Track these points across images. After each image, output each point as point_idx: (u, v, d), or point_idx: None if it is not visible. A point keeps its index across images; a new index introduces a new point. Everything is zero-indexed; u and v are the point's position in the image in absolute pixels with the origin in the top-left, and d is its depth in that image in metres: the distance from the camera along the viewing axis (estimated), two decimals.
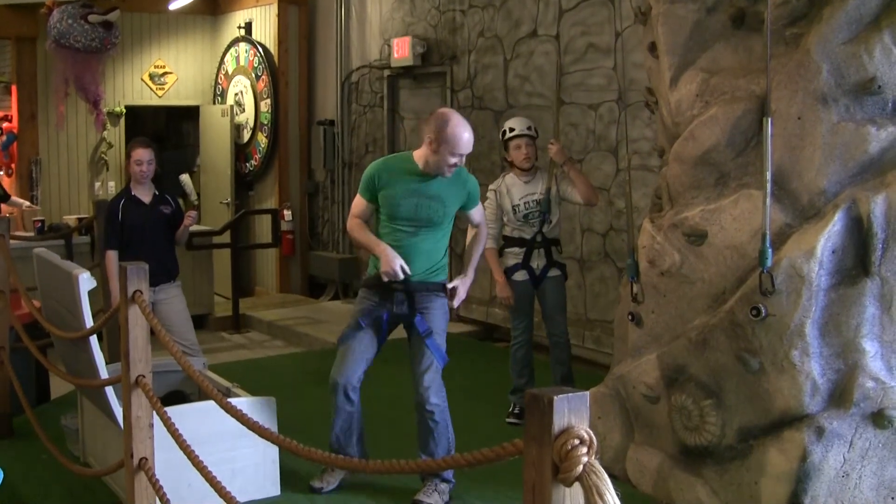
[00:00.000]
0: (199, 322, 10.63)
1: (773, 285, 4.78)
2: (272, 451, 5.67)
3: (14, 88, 12.65)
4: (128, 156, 7.21)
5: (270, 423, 5.52)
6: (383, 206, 5.56)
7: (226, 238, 11.38)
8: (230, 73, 13.63)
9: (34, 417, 6.32)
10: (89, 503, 5.73)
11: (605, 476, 2.16)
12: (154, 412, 4.44)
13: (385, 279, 5.46)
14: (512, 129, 6.97)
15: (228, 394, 5.90)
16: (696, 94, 5.37)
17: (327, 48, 12.74)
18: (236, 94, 13.50)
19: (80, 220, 10.37)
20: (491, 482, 5.81)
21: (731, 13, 5.34)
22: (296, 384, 8.25)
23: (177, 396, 6.23)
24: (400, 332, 5.76)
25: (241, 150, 13.43)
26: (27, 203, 11.17)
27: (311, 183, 13.00)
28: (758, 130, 5.01)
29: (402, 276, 5.45)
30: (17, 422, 6.88)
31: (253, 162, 13.34)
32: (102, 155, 13.22)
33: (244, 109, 13.38)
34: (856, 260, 4.82)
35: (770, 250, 4.78)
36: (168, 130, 16.19)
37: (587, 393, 2.27)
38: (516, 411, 7.00)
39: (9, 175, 12.46)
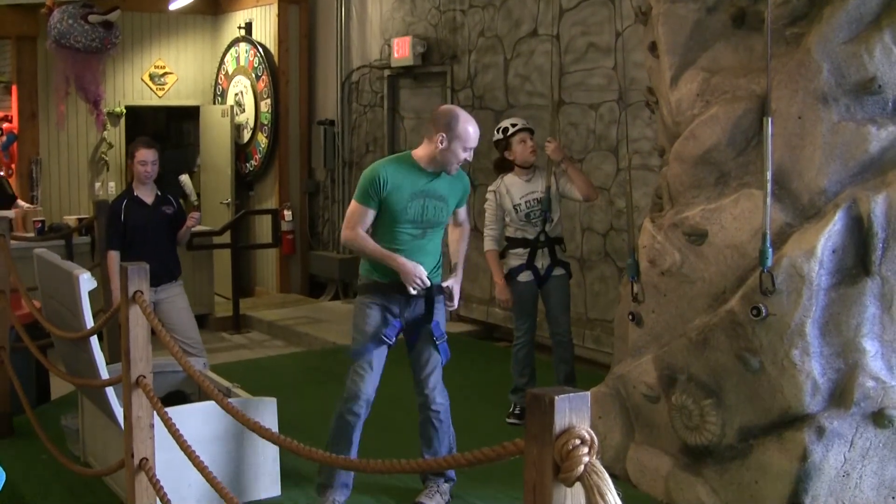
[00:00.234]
0: (200, 322, 10.56)
1: (773, 285, 4.79)
2: (272, 451, 5.66)
3: (14, 88, 12.65)
4: (131, 156, 7.17)
5: (271, 423, 5.52)
6: (388, 209, 5.32)
7: (226, 238, 11.38)
8: (230, 73, 13.63)
9: (34, 417, 6.32)
10: (90, 503, 5.73)
11: (606, 476, 2.16)
12: (155, 412, 4.44)
13: (413, 292, 5.35)
14: (514, 125, 6.97)
15: (229, 394, 5.90)
16: (696, 94, 5.38)
17: (328, 48, 12.74)
18: (236, 94, 13.50)
19: (80, 220, 10.37)
20: (492, 482, 5.81)
21: (732, 13, 5.34)
22: (296, 384, 8.24)
23: (177, 396, 6.23)
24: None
25: (241, 150, 13.43)
26: (27, 205, 11.17)
27: (311, 183, 13.00)
28: (758, 130, 5.01)
29: (428, 284, 5.40)
30: (17, 422, 6.87)
31: (253, 162, 13.34)
32: (103, 155, 13.21)
33: (244, 109, 13.37)
34: (856, 259, 4.82)
35: (770, 250, 4.78)
36: (168, 131, 16.19)
37: (588, 393, 2.27)
38: (517, 411, 6.99)
39: (9, 175, 12.45)
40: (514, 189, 6.81)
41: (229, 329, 11.23)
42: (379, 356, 5.40)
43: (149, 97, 13.60)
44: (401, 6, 11.35)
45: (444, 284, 5.60)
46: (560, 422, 2.21)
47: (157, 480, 4.40)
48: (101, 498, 5.73)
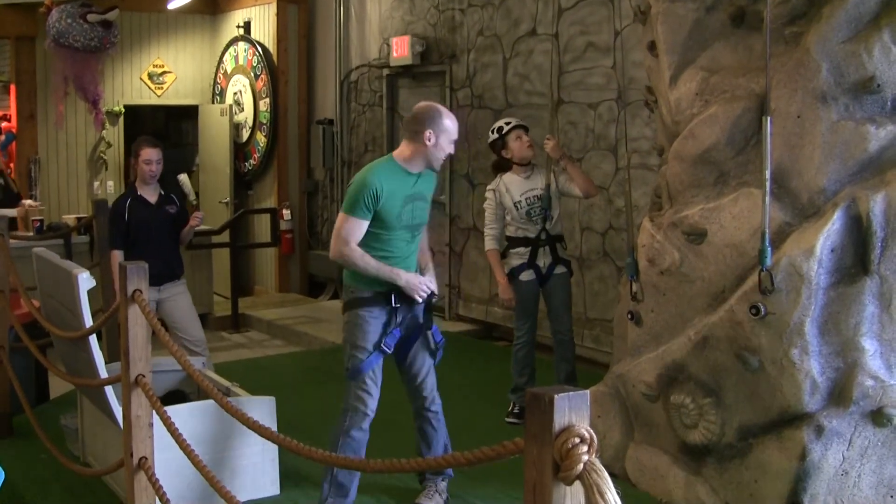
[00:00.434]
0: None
1: (772, 284, 4.79)
2: (272, 450, 5.67)
3: (13, 87, 12.65)
4: (135, 155, 7.15)
5: (270, 423, 5.52)
6: (382, 218, 5.18)
7: (225, 237, 11.38)
8: (229, 72, 13.63)
9: (34, 417, 6.32)
10: (89, 503, 5.73)
11: (606, 474, 2.16)
12: (154, 411, 4.44)
13: (420, 300, 5.29)
14: (508, 123, 6.99)
15: (228, 393, 5.90)
16: (695, 93, 5.38)
17: (326, 47, 12.74)
18: (235, 94, 13.50)
19: (79, 219, 10.36)
20: (491, 481, 5.81)
21: (731, 12, 5.34)
22: (295, 383, 8.24)
23: (176, 396, 6.23)
24: None
25: (240, 150, 13.43)
26: (29, 202, 11.17)
27: (310, 182, 13.00)
28: (757, 129, 5.02)
29: (433, 290, 5.38)
30: (16, 421, 6.88)
31: (252, 161, 13.34)
32: (101, 154, 13.21)
33: (243, 108, 13.37)
34: (855, 258, 4.83)
35: (769, 249, 4.78)
36: (167, 130, 16.18)
37: (588, 392, 2.27)
38: (516, 410, 6.99)
39: (9, 174, 12.45)
40: (514, 187, 6.81)
41: (228, 328, 11.24)
42: (379, 368, 5.32)
43: (147, 96, 13.60)
44: (399, 5, 11.35)
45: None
46: (559, 421, 2.21)
47: (157, 480, 4.40)
48: (101, 497, 5.74)
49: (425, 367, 5.50)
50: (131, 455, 4.46)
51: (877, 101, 4.88)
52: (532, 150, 6.90)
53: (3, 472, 3.30)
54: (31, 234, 9.90)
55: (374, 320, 5.27)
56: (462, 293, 10.61)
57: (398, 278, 5.20)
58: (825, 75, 4.87)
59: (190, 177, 14.42)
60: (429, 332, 5.48)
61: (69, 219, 10.71)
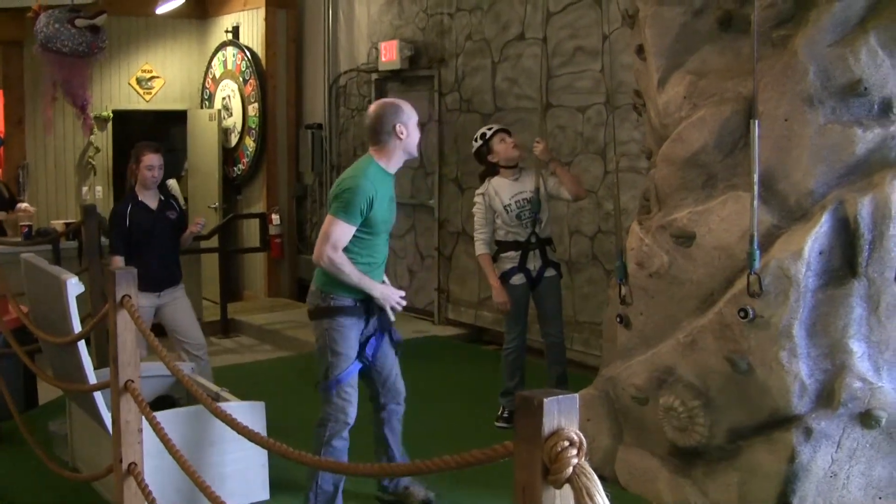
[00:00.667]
0: None
1: (760, 287, 4.80)
2: (261, 455, 5.66)
3: (1, 93, 12.61)
4: (136, 160, 7.05)
5: (260, 428, 5.51)
6: (371, 223, 5.16)
7: (214, 242, 11.36)
8: (218, 77, 13.62)
9: (22, 423, 6.31)
10: None
11: (596, 477, 2.16)
12: (143, 417, 4.43)
13: (392, 315, 5.29)
14: (490, 128, 7.01)
15: (217, 398, 5.89)
16: (683, 97, 5.39)
17: (315, 52, 12.74)
18: (224, 98, 13.49)
19: (67, 224, 10.34)
20: (481, 485, 5.81)
21: (719, 15, 5.36)
22: (285, 388, 8.23)
23: (165, 401, 6.22)
24: None
25: (228, 154, 13.41)
26: (25, 205, 11.14)
27: (299, 186, 12.99)
28: (745, 132, 5.03)
29: (404, 303, 5.35)
30: (5, 427, 6.85)
31: (241, 166, 13.33)
32: (90, 159, 13.18)
33: (232, 113, 13.36)
34: (843, 261, 4.84)
35: (758, 252, 4.80)
36: (155, 135, 16.11)
37: (577, 395, 2.28)
38: (505, 415, 6.98)
39: None
40: (503, 190, 6.81)
41: (218, 333, 11.21)
42: (357, 376, 5.34)
43: (136, 101, 13.58)
44: (388, 10, 11.35)
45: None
46: (549, 424, 2.22)
47: (146, 485, 4.39)
48: (90, 503, 5.72)
49: (395, 367, 5.59)
50: (121, 461, 4.45)
51: (864, 104, 4.90)
52: (518, 151, 6.91)
53: None
54: (19, 239, 9.87)
55: (354, 328, 5.26)
56: (451, 297, 10.61)
57: (374, 289, 5.20)
58: (812, 78, 4.89)
59: (178, 182, 14.42)
60: (388, 333, 5.48)
61: (57, 224, 10.68)
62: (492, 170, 6.93)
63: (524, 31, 9.45)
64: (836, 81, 4.88)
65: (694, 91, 5.36)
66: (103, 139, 13.29)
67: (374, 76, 11.49)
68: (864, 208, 4.76)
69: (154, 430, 4.28)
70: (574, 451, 2.19)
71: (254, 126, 13.02)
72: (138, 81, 13.52)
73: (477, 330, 10.24)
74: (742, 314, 4.87)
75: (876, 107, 4.89)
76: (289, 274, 13.05)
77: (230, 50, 13.33)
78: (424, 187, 10.96)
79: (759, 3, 4.96)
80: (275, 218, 12.69)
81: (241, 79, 13.12)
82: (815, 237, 4.80)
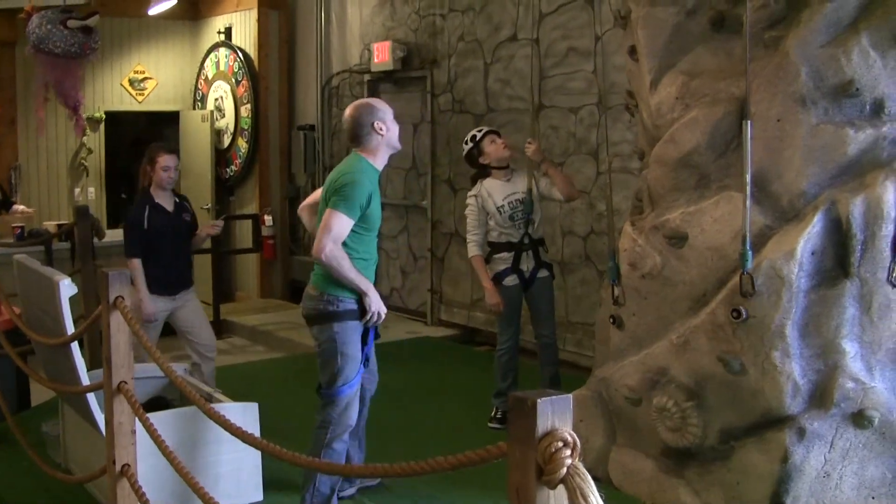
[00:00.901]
0: None
1: (753, 287, 4.81)
2: (255, 456, 5.66)
3: None
4: (151, 161, 6.98)
5: (253, 428, 5.51)
6: (368, 220, 5.19)
7: (207, 243, 11.31)
8: (210, 78, 13.60)
9: (15, 424, 6.30)
10: None
11: (589, 478, 2.17)
12: (136, 418, 4.43)
13: (372, 322, 5.26)
14: (480, 130, 7.03)
15: (210, 399, 5.89)
16: (676, 97, 5.40)
17: (307, 53, 12.73)
18: (216, 100, 13.47)
19: (59, 226, 10.32)
20: (475, 486, 5.81)
21: (711, 16, 5.37)
22: (278, 389, 8.23)
23: (159, 402, 6.21)
24: None
25: (221, 155, 13.39)
26: (22, 207, 11.12)
27: (291, 187, 12.98)
28: (738, 133, 5.04)
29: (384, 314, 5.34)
30: None
31: (233, 167, 13.32)
32: (82, 160, 13.16)
33: (224, 114, 13.35)
34: (835, 261, 4.85)
35: (750, 252, 4.81)
36: (148, 136, 16.10)
37: (570, 396, 2.28)
38: (499, 416, 6.98)
39: None
40: (495, 191, 6.81)
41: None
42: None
43: (128, 102, 13.56)
44: (381, 11, 11.35)
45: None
46: (543, 424, 2.22)
47: (140, 486, 4.38)
48: None
49: (374, 363, 5.68)
50: (114, 462, 4.45)
51: (856, 105, 4.91)
52: (508, 152, 6.92)
53: None
54: (11, 240, 9.85)
55: (358, 330, 5.27)
56: (444, 298, 10.61)
57: (369, 290, 5.19)
58: (805, 79, 4.90)
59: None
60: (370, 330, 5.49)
61: (50, 225, 10.67)
62: (483, 172, 6.93)
63: (516, 32, 9.46)
64: (829, 82, 4.89)
65: (686, 92, 5.37)
66: (96, 140, 13.26)
67: (367, 77, 11.49)
68: (856, 209, 4.77)
69: (147, 431, 4.28)
70: (568, 452, 2.20)
71: (246, 127, 13.01)
72: (131, 82, 13.50)
73: (470, 331, 10.25)
74: (735, 314, 4.88)
75: (868, 107, 4.90)
76: (281, 275, 13.04)
77: (223, 51, 13.31)
78: (417, 188, 10.96)
79: (752, 4, 4.97)
80: (267, 219, 12.67)
81: (233, 80, 13.11)
82: (808, 237, 4.81)
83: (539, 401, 2.22)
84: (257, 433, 5.30)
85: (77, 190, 13.15)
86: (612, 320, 5.68)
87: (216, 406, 5.20)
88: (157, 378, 6.20)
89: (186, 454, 4.93)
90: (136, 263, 6.80)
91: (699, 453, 5.20)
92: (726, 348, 4.97)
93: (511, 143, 7.13)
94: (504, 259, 6.84)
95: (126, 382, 4.40)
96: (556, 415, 2.24)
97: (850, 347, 4.86)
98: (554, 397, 2.24)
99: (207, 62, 13.64)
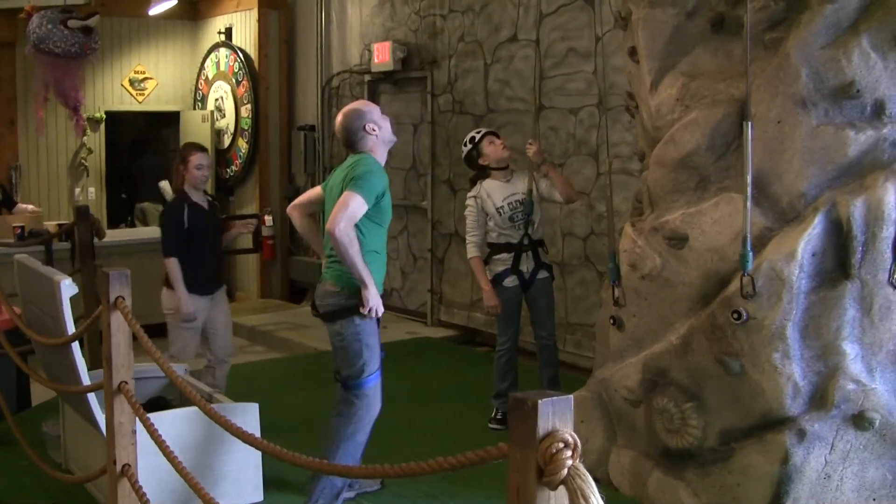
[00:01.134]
0: None
1: (753, 288, 4.81)
2: (255, 457, 5.65)
3: None
4: (183, 160, 6.92)
5: (253, 429, 5.50)
6: (384, 211, 5.32)
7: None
8: (210, 78, 13.60)
9: (15, 424, 6.29)
10: None
11: (590, 479, 2.17)
12: (137, 418, 4.42)
13: (370, 316, 5.28)
14: (479, 131, 7.03)
15: (210, 399, 5.89)
16: (676, 98, 5.40)
17: (308, 53, 12.73)
18: (217, 100, 13.48)
19: (60, 226, 10.32)
20: (475, 486, 5.81)
21: (711, 17, 5.37)
22: (277, 389, 8.23)
23: (159, 402, 6.21)
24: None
25: (221, 156, 13.39)
26: (31, 206, 11.12)
27: (291, 188, 12.97)
28: (738, 134, 5.04)
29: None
30: None
31: (234, 167, 13.32)
32: (83, 161, 13.16)
33: (224, 115, 13.35)
34: (836, 262, 4.85)
35: (751, 253, 4.81)
36: (148, 136, 16.13)
37: (571, 396, 2.28)
38: (499, 416, 6.98)
39: None
40: (495, 192, 6.81)
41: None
42: None
43: (129, 102, 13.56)
44: (381, 11, 11.35)
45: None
46: (543, 425, 2.22)
47: (140, 486, 4.38)
48: None
49: None
50: (114, 462, 4.45)
51: (856, 106, 4.91)
52: (507, 152, 6.92)
53: None
54: (11, 240, 9.85)
55: (372, 324, 5.36)
56: (444, 299, 10.61)
57: (369, 284, 5.21)
58: (805, 80, 4.90)
59: (171, 183, 14.39)
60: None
61: (50, 225, 10.67)
62: (483, 173, 6.94)
63: (516, 33, 9.46)
64: (829, 83, 4.89)
65: (686, 93, 5.37)
66: (96, 140, 13.26)
67: (367, 78, 11.49)
68: (856, 210, 4.78)
69: (148, 431, 4.28)
70: (569, 453, 2.20)
71: (246, 127, 13.00)
72: (131, 83, 13.50)
73: (469, 332, 10.24)
74: (735, 316, 4.88)
75: (868, 109, 4.91)
76: (281, 275, 13.03)
77: (223, 51, 13.31)
78: (417, 189, 10.96)
79: (752, 5, 4.97)
80: (267, 219, 12.64)
81: (233, 80, 13.11)
82: (808, 239, 4.81)
83: (540, 402, 2.22)
84: (257, 433, 5.30)
85: (77, 190, 13.15)
86: (612, 321, 5.68)
87: (216, 406, 5.20)
88: (157, 378, 6.20)
89: (187, 454, 4.92)
90: (174, 262, 6.71)
91: (699, 455, 5.20)
92: (726, 349, 4.97)
93: (511, 145, 7.14)
94: (504, 260, 6.83)
95: (126, 382, 4.40)
96: (557, 416, 2.24)
97: (850, 349, 4.86)
98: (555, 398, 2.24)
99: (208, 62, 13.64)
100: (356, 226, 5.15)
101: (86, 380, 5.32)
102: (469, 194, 6.96)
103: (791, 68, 4.92)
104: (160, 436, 4.23)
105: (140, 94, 13.60)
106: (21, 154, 12.67)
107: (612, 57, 8.03)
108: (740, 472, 5.02)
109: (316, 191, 5.87)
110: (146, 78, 13.62)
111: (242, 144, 13.09)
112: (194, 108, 13.85)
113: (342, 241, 5.08)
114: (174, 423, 5.36)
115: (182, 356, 6.77)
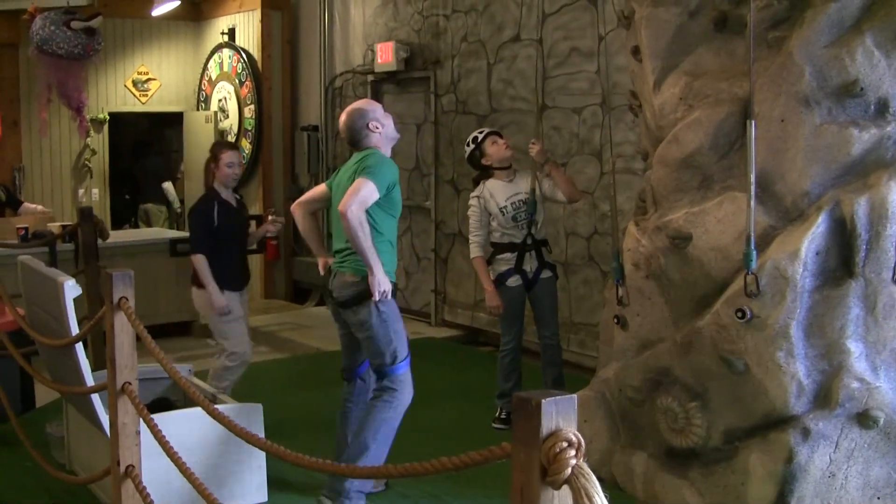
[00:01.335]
0: (184, 329, 10.60)
1: (757, 287, 4.80)
2: (259, 457, 5.65)
3: None
4: (214, 158, 6.95)
5: (257, 429, 5.51)
6: (392, 205, 5.39)
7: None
8: (214, 79, 13.61)
9: (19, 425, 6.29)
10: None
11: (594, 478, 2.16)
12: (140, 419, 4.42)
13: (376, 297, 5.29)
14: (482, 131, 7.03)
15: (214, 400, 5.89)
16: (679, 98, 5.39)
17: (311, 53, 12.73)
18: (220, 100, 13.48)
19: (63, 227, 10.32)
20: (478, 486, 5.81)
21: (714, 17, 5.36)
22: (281, 390, 8.23)
23: (162, 403, 6.21)
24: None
25: None
26: (41, 207, 11.11)
27: (295, 188, 12.95)
28: (741, 133, 5.03)
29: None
30: (1, 430, 6.85)
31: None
32: (86, 162, 13.17)
33: (228, 115, 13.35)
34: (840, 261, 4.85)
35: (754, 252, 4.80)
36: (151, 137, 16.14)
37: (575, 396, 2.27)
38: (503, 416, 6.98)
39: None
40: (498, 192, 6.81)
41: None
42: None
43: (132, 103, 13.58)
44: (384, 11, 11.35)
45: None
46: (547, 425, 2.22)
47: (144, 487, 4.38)
48: None
49: None
50: (118, 463, 4.45)
51: (860, 105, 4.90)
52: (510, 152, 6.92)
53: None
54: (15, 241, 9.85)
55: (397, 309, 5.48)
56: (447, 298, 10.61)
57: (377, 269, 5.25)
58: (808, 79, 4.89)
59: (174, 184, 14.44)
60: None
61: (54, 227, 10.67)
62: (486, 173, 6.93)
63: (519, 33, 9.46)
64: (832, 82, 4.89)
65: (689, 92, 5.37)
66: (99, 141, 13.28)
67: (370, 78, 11.49)
68: (860, 209, 4.77)
69: (152, 432, 4.28)
70: (573, 452, 2.19)
71: (250, 128, 13.01)
72: (134, 84, 13.51)
73: (473, 331, 10.24)
74: (739, 315, 4.87)
75: (872, 107, 4.90)
76: (284, 276, 13.03)
77: (226, 52, 13.32)
78: (421, 189, 10.96)
79: (755, 4, 4.97)
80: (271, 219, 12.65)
81: (237, 81, 13.11)
82: (812, 238, 4.80)
83: (543, 401, 2.21)
84: (261, 434, 5.31)
85: (81, 191, 13.17)
86: (615, 321, 5.68)
87: (220, 407, 5.20)
88: (161, 379, 6.20)
89: (190, 455, 4.91)
90: (202, 259, 6.70)
91: (703, 454, 5.20)
92: (730, 348, 4.97)
93: (514, 144, 7.13)
94: (507, 259, 6.83)
95: (130, 383, 4.40)
96: (561, 415, 2.24)
97: (854, 347, 4.85)
98: (558, 398, 2.24)
99: (211, 63, 13.64)
100: (371, 217, 5.23)
101: (89, 381, 5.33)
102: (472, 194, 6.96)
103: (794, 67, 4.92)
104: (164, 437, 4.22)
105: (143, 95, 13.61)
106: (24, 155, 12.68)
107: (615, 56, 8.02)
108: (744, 472, 5.01)
109: (320, 189, 5.89)
110: (149, 79, 13.64)
111: (246, 145, 13.08)
112: (198, 109, 13.86)
113: (352, 223, 5.13)
114: (178, 423, 5.35)
115: (242, 350, 6.78)
